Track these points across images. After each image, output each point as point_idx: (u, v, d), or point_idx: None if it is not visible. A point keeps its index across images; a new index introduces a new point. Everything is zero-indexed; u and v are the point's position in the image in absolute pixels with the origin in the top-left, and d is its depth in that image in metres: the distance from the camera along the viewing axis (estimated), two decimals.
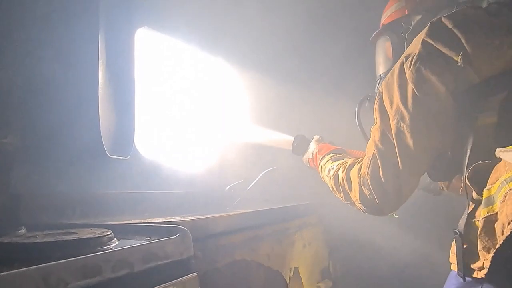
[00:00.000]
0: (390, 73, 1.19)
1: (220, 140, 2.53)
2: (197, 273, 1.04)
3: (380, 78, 1.58)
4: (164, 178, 2.17)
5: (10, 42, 1.44)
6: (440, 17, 1.13)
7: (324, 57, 2.66)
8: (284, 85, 2.65)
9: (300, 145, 1.89)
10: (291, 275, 1.76)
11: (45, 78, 1.57)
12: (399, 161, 1.14)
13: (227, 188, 2.49)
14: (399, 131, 1.13)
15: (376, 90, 1.60)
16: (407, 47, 1.37)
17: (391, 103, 1.15)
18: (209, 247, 1.25)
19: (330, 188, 1.45)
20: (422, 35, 1.13)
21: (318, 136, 1.83)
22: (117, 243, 0.97)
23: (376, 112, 1.22)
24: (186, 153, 2.43)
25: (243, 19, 2.50)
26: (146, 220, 1.33)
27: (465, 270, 0.98)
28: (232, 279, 1.31)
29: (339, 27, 2.63)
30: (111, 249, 0.89)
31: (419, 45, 1.11)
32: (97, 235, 0.92)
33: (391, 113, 1.15)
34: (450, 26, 1.09)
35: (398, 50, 1.46)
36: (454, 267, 1.06)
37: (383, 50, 1.56)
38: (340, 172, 1.37)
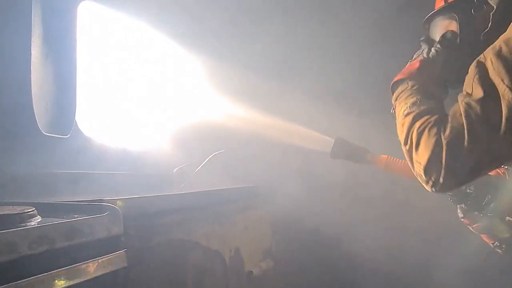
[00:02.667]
0: (503, 42, 1.03)
1: (169, 121, 2.51)
2: (125, 251, 1.05)
3: None
4: (108, 158, 2.13)
5: None
6: None
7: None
8: (240, 69, 2.64)
9: (341, 150, 1.76)
10: (232, 255, 1.81)
11: None
12: (498, 141, 1.00)
13: (175, 170, 2.49)
14: None
15: None
16: (478, 28, 1.28)
17: (510, 77, 0.98)
18: (143, 226, 1.25)
19: (398, 123, 1.27)
20: None
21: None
22: (39, 220, 0.95)
23: (474, 82, 1.04)
24: (133, 133, 2.38)
25: None
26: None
27: None
28: (167, 258, 1.33)
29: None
30: (30, 225, 0.88)
31: None
32: (16, 212, 0.90)
33: (510, 88, 0.98)
34: None
35: (466, 31, 1.34)
36: None
37: (445, 30, 1.40)
38: (418, 122, 1.17)
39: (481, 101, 1.02)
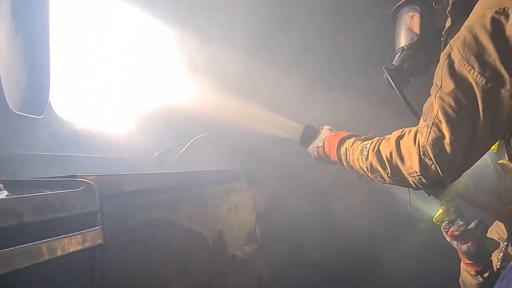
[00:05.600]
0: (466, 31, 1.01)
1: (149, 104, 2.43)
2: (101, 227, 1.00)
3: (403, 50, 1.50)
4: (85, 141, 2.05)
5: None
6: None
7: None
8: (227, 50, 2.56)
9: (309, 136, 1.72)
10: (215, 237, 1.76)
11: None
12: (479, 128, 1.00)
13: (156, 154, 2.42)
14: (491, 95, 0.97)
15: (395, 62, 1.52)
16: (439, 20, 1.34)
17: (481, 65, 0.97)
18: (121, 204, 1.19)
19: (365, 168, 1.30)
20: None
21: (329, 126, 1.69)
22: (6, 194, 0.88)
23: (443, 75, 1.04)
24: (111, 116, 2.30)
25: None
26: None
27: None
28: (147, 238, 1.27)
29: None
30: None
31: None
32: None
33: (482, 74, 0.97)
34: None
35: (427, 22, 1.41)
36: None
37: (408, 22, 1.48)
38: (383, 147, 1.22)
39: (452, 93, 1.02)
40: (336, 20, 2.50)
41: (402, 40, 1.51)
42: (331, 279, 2.61)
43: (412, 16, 1.48)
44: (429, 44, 1.43)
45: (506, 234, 1.57)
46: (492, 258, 1.64)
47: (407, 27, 1.50)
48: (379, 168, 1.23)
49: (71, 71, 2.11)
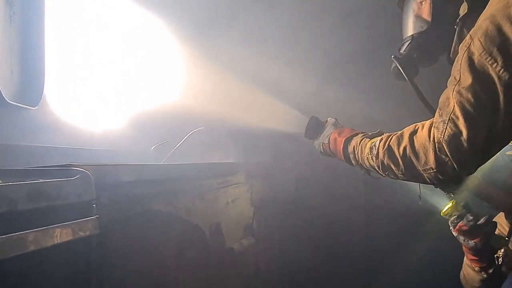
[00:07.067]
0: (488, 21, 0.96)
1: (146, 97, 2.40)
2: (97, 217, 0.98)
3: (412, 38, 1.42)
4: (80, 133, 2.02)
5: None
6: None
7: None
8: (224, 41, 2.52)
9: (314, 128, 1.68)
10: (212, 230, 1.75)
11: None
12: (499, 124, 0.96)
13: (153, 147, 2.40)
14: None
15: (403, 51, 1.45)
16: (452, 7, 1.27)
17: (505, 58, 0.92)
18: (118, 194, 1.17)
19: (376, 167, 1.26)
20: None
21: (334, 119, 1.64)
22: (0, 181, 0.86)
23: (462, 68, 0.99)
24: (107, 109, 2.27)
25: None
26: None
27: None
28: (144, 229, 1.26)
29: None
30: None
31: None
32: None
33: (505, 68, 0.93)
34: None
35: (439, 9, 1.33)
36: None
37: (417, 8, 1.40)
38: (394, 143, 1.18)
39: (471, 87, 0.97)
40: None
41: (411, 28, 1.43)
42: (329, 274, 2.61)
43: (422, 2, 1.40)
44: (441, 33, 1.36)
45: (507, 230, 1.56)
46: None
47: (416, 14, 1.41)
48: (392, 165, 1.19)
49: (66, 62, 2.08)
